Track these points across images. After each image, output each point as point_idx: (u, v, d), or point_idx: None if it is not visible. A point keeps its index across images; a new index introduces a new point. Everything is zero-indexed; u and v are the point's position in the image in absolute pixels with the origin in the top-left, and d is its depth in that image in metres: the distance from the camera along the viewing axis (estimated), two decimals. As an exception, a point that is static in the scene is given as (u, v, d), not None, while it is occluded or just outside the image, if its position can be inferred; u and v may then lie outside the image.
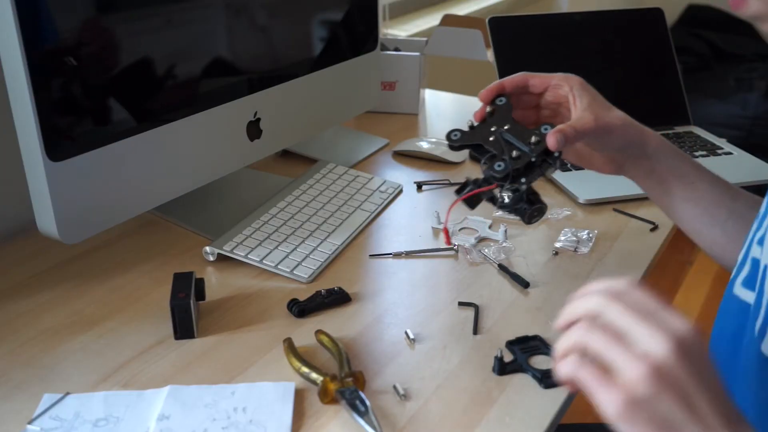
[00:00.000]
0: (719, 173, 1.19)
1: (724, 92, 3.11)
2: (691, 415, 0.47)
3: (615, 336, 0.49)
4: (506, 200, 0.79)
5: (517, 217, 0.80)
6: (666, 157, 0.81)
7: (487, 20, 1.34)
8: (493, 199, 0.80)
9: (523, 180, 0.77)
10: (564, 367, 0.51)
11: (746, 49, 3.44)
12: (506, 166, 0.76)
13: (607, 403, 0.48)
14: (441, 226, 1.03)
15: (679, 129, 1.36)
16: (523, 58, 1.34)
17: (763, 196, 0.76)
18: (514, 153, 0.77)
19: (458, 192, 0.81)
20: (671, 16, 3.43)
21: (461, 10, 2.26)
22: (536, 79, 0.81)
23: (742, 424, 0.49)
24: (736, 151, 1.27)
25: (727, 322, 0.70)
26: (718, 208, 0.81)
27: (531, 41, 1.35)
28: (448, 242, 0.84)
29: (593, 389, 0.49)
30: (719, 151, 1.27)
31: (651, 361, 0.47)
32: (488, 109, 0.82)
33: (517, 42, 1.34)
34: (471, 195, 0.79)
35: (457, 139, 0.81)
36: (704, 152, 1.26)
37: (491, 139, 0.80)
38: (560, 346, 0.52)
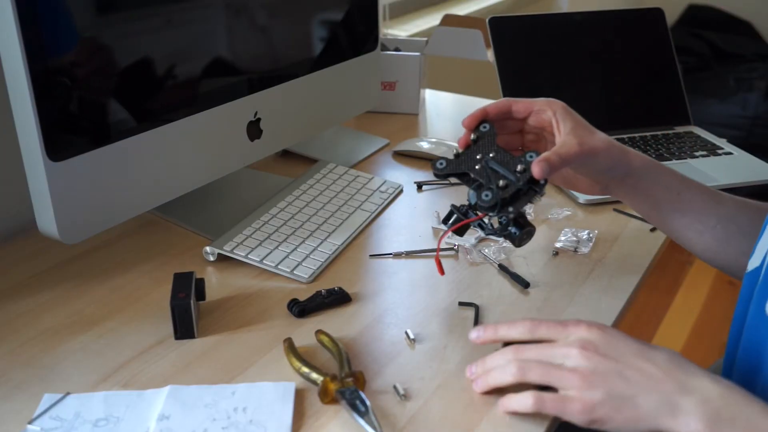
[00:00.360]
0: (719, 173, 1.20)
1: (724, 92, 3.11)
2: (632, 386, 0.60)
3: (546, 367, 0.64)
4: (495, 227, 0.80)
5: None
6: (649, 172, 0.82)
7: (487, 20, 1.34)
8: (481, 226, 0.81)
9: (510, 209, 0.77)
10: (533, 406, 0.64)
11: (746, 49, 3.44)
12: (494, 195, 0.77)
13: (573, 416, 0.61)
14: (441, 227, 1.03)
15: (679, 129, 1.36)
16: (523, 58, 1.34)
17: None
18: (501, 182, 0.77)
19: (445, 221, 0.82)
20: (671, 16, 3.43)
21: (461, 10, 2.26)
22: (519, 105, 0.82)
23: (684, 365, 0.61)
24: (737, 151, 1.27)
25: (754, 339, 0.71)
26: (706, 216, 0.82)
27: (531, 41, 1.35)
28: (441, 272, 0.84)
29: (560, 413, 0.63)
30: (719, 151, 1.27)
31: (578, 372, 0.61)
32: (472, 136, 0.82)
33: (518, 42, 1.34)
34: (456, 220, 0.81)
35: (443, 168, 0.81)
36: (704, 152, 1.26)
37: (477, 167, 0.80)
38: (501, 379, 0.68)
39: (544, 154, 0.76)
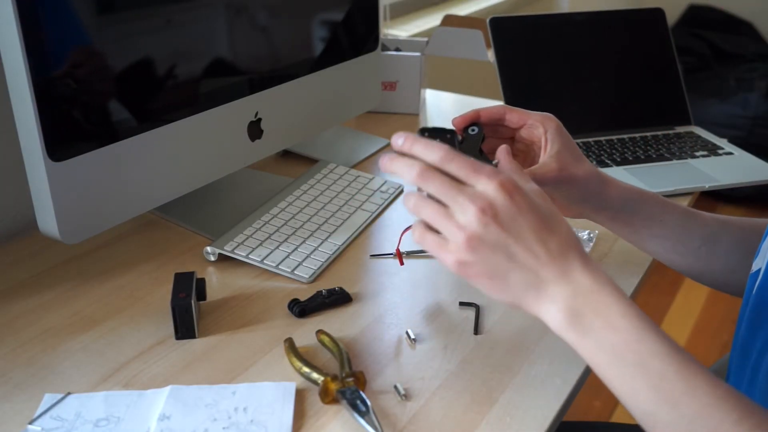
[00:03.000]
0: (719, 173, 1.20)
1: (725, 92, 3.11)
2: (511, 263, 0.58)
3: (440, 211, 0.60)
4: None
5: None
6: (629, 204, 0.82)
7: (487, 20, 1.34)
8: None
9: None
10: (414, 234, 0.62)
11: (747, 49, 3.45)
12: None
13: (445, 263, 0.60)
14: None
15: (680, 129, 1.36)
16: (523, 58, 1.34)
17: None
18: None
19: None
20: (672, 17, 3.43)
21: (462, 11, 2.26)
22: (513, 115, 0.81)
23: (571, 264, 0.59)
24: (737, 151, 1.27)
25: (759, 331, 0.71)
26: (690, 239, 0.82)
27: (532, 41, 1.35)
28: (401, 262, 0.83)
29: (434, 254, 0.61)
30: (720, 151, 1.27)
31: (465, 232, 0.58)
32: (459, 137, 0.81)
33: (518, 42, 1.34)
34: None
35: None
36: (705, 152, 1.26)
37: None
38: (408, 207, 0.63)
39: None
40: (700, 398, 0.55)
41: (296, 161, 1.26)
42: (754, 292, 0.72)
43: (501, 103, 1.09)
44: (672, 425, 0.55)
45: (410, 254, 0.98)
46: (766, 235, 0.74)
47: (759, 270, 0.72)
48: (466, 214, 0.58)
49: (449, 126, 0.78)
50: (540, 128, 0.79)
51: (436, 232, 0.61)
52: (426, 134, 0.74)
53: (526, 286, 0.59)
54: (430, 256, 0.96)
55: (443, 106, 1.58)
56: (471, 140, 0.80)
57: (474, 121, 0.81)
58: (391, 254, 0.98)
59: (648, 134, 1.33)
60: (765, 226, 0.81)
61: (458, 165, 0.60)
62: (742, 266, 0.80)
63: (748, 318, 0.72)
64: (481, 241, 0.58)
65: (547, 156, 0.78)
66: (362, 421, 0.67)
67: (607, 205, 0.81)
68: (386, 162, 0.63)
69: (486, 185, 0.59)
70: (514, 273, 0.59)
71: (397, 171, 0.62)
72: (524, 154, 0.84)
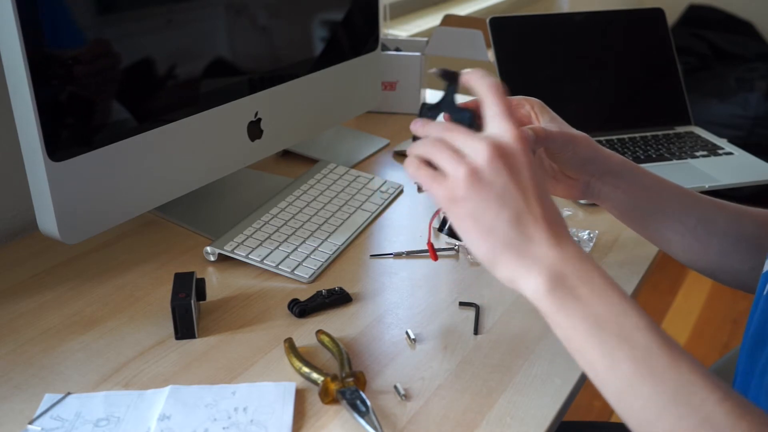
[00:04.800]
0: (720, 173, 1.21)
1: (725, 92, 3.11)
2: (504, 210, 0.57)
3: (447, 146, 0.59)
4: None
5: None
6: (628, 171, 0.82)
7: (487, 20, 1.34)
8: None
9: None
10: (407, 168, 0.62)
11: (747, 49, 3.44)
12: None
13: (436, 197, 0.59)
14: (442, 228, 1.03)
15: (680, 129, 1.36)
16: (523, 58, 1.34)
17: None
18: None
19: (440, 229, 0.79)
20: (672, 17, 3.42)
21: (462, 11, 2.26)
22: None
23: (561, 231, 0.58)
24: (737, 151, 1.27)
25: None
26: (687, 216, 0.82)
27: (532, 41, 1.35)
28: (434, 257, 0.81)
29: (427, 186, 0.60)
30: (720, 151, 1.27)
31: (468, 166, 0.57)
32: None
33: (518, 42, 1.34)
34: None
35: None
36: (705, 152, 1.26)
37: None
38: (409, 151, 0.63)
39: (530, 126, 0.76)
40: (683, 374, 0.53)
41: (296, 161, 1.26)
42: (765, 292, 0.72)
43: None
44: (652, 400, 0.53)
45: (410, 254, 0.98)
46: None
47: None
48: (476, 152, 0.57)
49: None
50: (526, 106, 0.80)
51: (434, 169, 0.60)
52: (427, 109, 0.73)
53: (510, 240, 0.57)
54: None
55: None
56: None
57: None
58: (391, 254, 0.98)
59: (648, 134, 1.33)
60: (760, 216, 0.82)
61: (454, 134, 0.61)
62: (736, 252, 0.80)
63: (759, 319, 0.72)
64: (481, 179, 0.57)
65: (543, 123, 0.78)
66: (362, 421, 0.67)
67: (609, 168, 0.80)
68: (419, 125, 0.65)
69: (505, 132, 0.58)
70: (503, 222, 0.57)
71: (424, 132, 0.63)
72: None
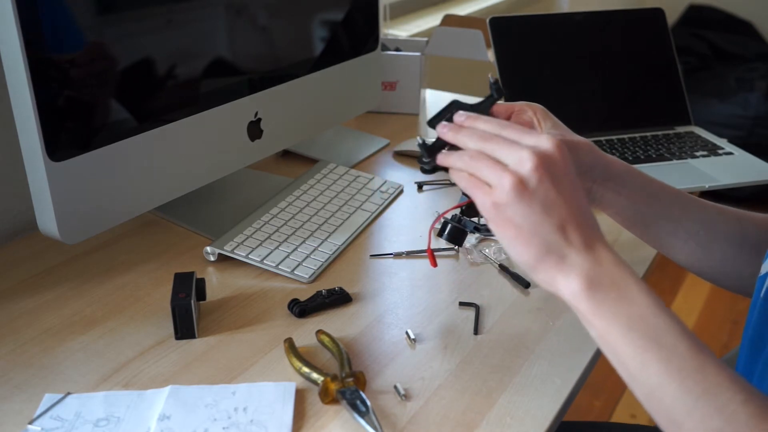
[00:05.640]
0: (720, 173, 1.21)
1: (725, 92, 3.11)
2: (546, 218, 0.59)
3: (488, 158, 0.62)
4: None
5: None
6: (631, 177, 0.81)
7: (487, 20, 1.34)
8: (478, 228, 0.79)
9: None
10: (459, 181, 0.64)
11: (747, 49, 3.45)
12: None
13: (480, 203, 0.61)
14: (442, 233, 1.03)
15: (680, 129, 1.36)
16: (523, 58, 1.34)
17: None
18: None
19: (440, 234, 0.79)
20: (672, 16, 3.43)
21: (462, 11, 2.26)
22: (500, 107, 0.81)
23: (597, 236, 0.61)
24: (737, 151, 1.27)
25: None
26: (689, 222, 0.82)
27: (532, 41, 1.35)
28: (434, 264, 0.81)
29: (470, 192, 0.63)
30: (720, 151, 1.27)
31: (513, 176, 0.59)
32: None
33: (518, 42, 1.34)
34: (452, 228, 0.77)
35: (428, 162, 0.78)
36: (705, 152, 1.26)
37: None
38: (451, 163, 0.66)
39: None
40: (709, 376, 0.55)
41: (296, 161, 1.26)
42: (762, 294, 0.72)
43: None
44: (680, 399, 0.55)
45: (410, 254, 0.98)
46: None
47: None
48: (520, 161, 0.60)
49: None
50: (528, 111, 0.80)
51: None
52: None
53: (551, 247, 0.59)
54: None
55: (443, 106, 1.58)
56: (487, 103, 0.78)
57: None
58: (391, 254, 0.98)
59: (648, 134, 1.33)
60: (762, 220, 0.82)
61: (514, 128, 0.63)
62: (739, 257, 0.80)
63: (756, 321, 0.72)
64: (526, 188, 0.59)
65: (545, 131, 0.78)
66: (362, 421, 0.67)
67: (613, 174, 0.80)
68: (446, 129, 0.67)
69: (545, 142, 0.61)
70: (545, 229, 0.59)
71: (460, 138, 0.66)
72: None
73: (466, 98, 0.80)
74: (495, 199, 0.60)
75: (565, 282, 0.59)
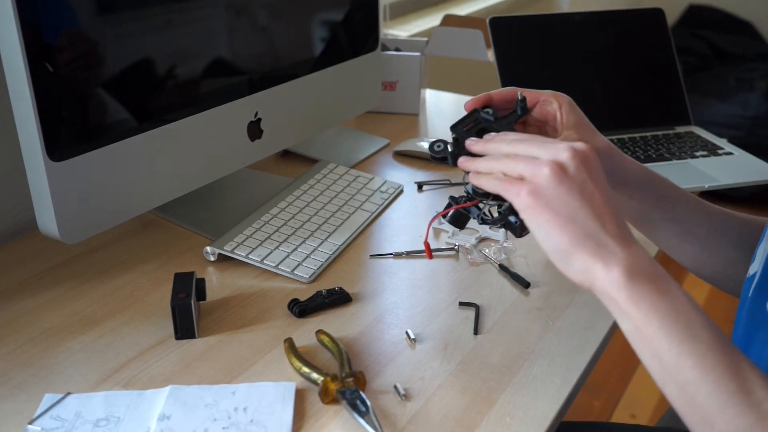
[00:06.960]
0: (719, 173, 1.20)
1: (725, 92, 3.11)
2: (586, 204, 0.59)
3: (520, 157, 0.63)
4: (494, 217, 0.77)
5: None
6: (645, 180, 0.81)
7: (487, 20, 1.34)
8: (482, 219, 0.78)
9: None
10: (486, 185, 0.65)
11: (747, 49, 3.45)
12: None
13: (514, 195, 0.61)
14: (442, 227, 1.03)
15: (680, 129, 1.36)
16: (523, 58, 1.34)
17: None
18: None
19: (444, 215, 0.79)
20: (672, 17, 3.43)
21: (462, 11, 2.26)
22: (526, 94, 0.81)
23: (630, 232, 0.61)
24: (737, 151, 1.27)
25: (756, 333, 0.71)
26: (698, 226, 0.82)
27: (532, 41, 1.35)
28: (429, 256, 0.82)
29: (501, 189, 0.63)
30: (720, 151, 1.27)
31: (552, 162, 0.60)
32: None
33: (518, 42, 1.34)
34: (455, 212, 0.76)
35: (440, 150, 0.78)
36: (704, 152, 1.26)
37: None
38: (474, 167, 0.67)
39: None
40: (743, 374, 0.55)
41: (296, 161, 1.26)
42: (749, 295, 0.72)
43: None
44: (712, 397, 0.55)
45: (410, 254, 0.98)
46: (762, 240, 0.74)
47: (755, 273, 0.72)
48: (558, 150, 0.61)
49: (448, 128, 0.77)
50: (554, 103, 0.80)
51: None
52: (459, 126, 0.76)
53: (589, 233, 0.59)
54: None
55: (443, 106, 1.58)
56: (486, 123, 0.78)
57: (486, 103, 0.80)
58: (391, 254, 0.98)
59: (648, 134, 1.33)
60: (763, 225, 0.82)
61: (542, 137, 0.65)
62: (743, 261, 0.80)
63: (745, 321, 0.73)
64: (566, 172, 0.60)
65: (565, 128, 0.78)
66: (362, 421, 0.67)
67: (626, 178, 0.80)
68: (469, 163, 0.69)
69: (578, 144, 0.62)
70: (584, 214, 0.59)
71: (490, 146, 0.67)
72: None
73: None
74: (533, 186, 0.60)
75: (605, 270, 0.58)
